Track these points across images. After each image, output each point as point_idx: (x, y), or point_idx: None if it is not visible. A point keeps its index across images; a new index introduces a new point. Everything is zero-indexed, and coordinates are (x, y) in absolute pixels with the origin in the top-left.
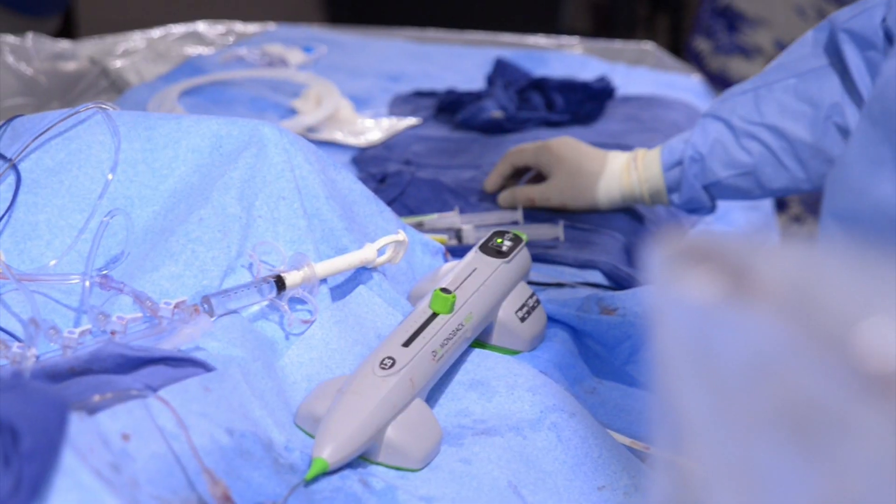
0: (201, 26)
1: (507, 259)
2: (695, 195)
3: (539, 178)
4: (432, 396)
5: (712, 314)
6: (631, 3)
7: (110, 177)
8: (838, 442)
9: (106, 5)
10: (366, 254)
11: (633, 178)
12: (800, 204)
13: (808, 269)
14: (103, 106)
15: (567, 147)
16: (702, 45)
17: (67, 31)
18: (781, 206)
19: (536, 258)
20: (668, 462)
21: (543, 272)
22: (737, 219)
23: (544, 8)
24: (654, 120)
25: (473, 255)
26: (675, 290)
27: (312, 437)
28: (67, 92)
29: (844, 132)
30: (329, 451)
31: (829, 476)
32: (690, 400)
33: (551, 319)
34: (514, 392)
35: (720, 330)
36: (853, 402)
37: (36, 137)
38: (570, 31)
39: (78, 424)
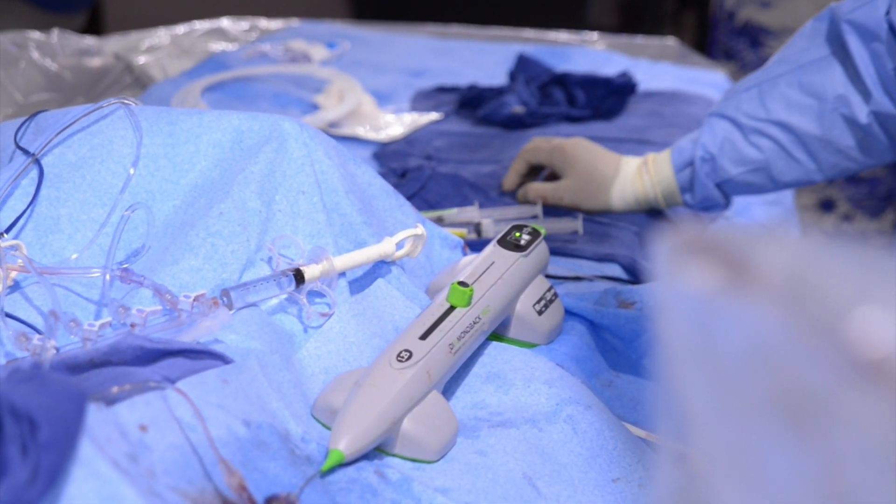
0: (225, 22)
1: (525, 253)
2: (708, 194)
3: (556, 174)
4: (449, 389)
5: (712, 304)
6: (658, 0)
7: (132, 171)
8: (831, 428)
9: (133, 2)
10: (384, 247)
11: (645, 181)
12: (847, 202)
13: (805, 259)
14: (126, 101)
15: (581, 149)
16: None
17: (94, 27)
18: (829, 206)
19: (555, 252)
20: (671, 450)
21: (562, 266)
22: (757, 213)
23: (571, 4)
24: (676, 115)
25: (492, 248)
26: (677, 282)
27: (329, 428)
28: (92, 87)
29: (851, 122)
30: (345, 443)
31: (822, 461)
32: (691, 388)
33: (569, 313)
34: (530, 385)
35: (720, 319)
36: (845, 389)
37: (59, 132)
38: (597, 28)
39: (96, 415)
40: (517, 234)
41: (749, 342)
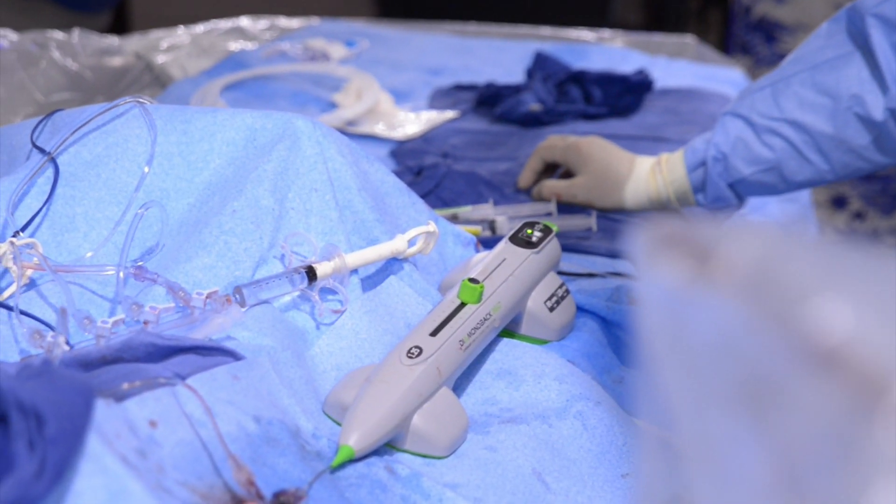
0: (245, 21)
1: (536, 249)
2: (720, 194)
3: (571, 172)
4: (460, 385)
5: (682, 296)
6: None
7: (146, 170)
8: (787, 415)
9: (159, 1)
10: (396, 245)
11: (658, 181)
12: (860, 199)
13: (768, 251)
14: (141, 100)
15: (596, 147)
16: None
17: (120, 26)
18: (841, 203)
19: (569, 248)
20: (653, 438)
21: (575, 262)
22: (773, 210)
23: (595, 2)
24: (693, 112)
25: (503, 245)
26: (651, 274)
27: (340, 424)
28: (112, 87)
29: (866, 122)
30: (355, 439)
31: (778, 448)
32: (666, 378)
33: (581, 309)
34: (541, 381)
35: (689, 310)
36: (800, 377)
37: (74, 131)
38: (621, 25)
39: (105, 411)
40: (529, 231)
41: (714, 332)
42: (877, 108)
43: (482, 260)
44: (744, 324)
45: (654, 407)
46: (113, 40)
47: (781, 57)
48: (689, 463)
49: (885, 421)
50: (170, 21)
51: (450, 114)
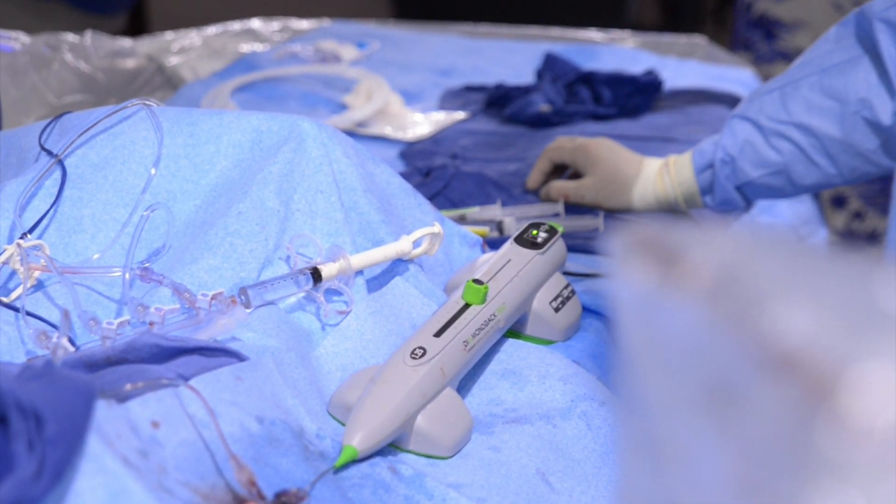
0: (256, 23)
1: (541, 250)
2: (728, 196)
3: (579, 173)
4: (465, 385)
5: (652, 299)
6: None
7: (153, 172)
8: (744, 418)
9: (175, 2)
10: (401, 246)
11: (666, 183)
12: (859, 198)
13: (734, 255)
14: (147, 102)
15: (604, 148)
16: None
17: (138, 27)
18: (840, 202)
19: (577, 249)
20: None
21: (582, 263)
22: (783, 211)
23: (611, 3)
24: (702, 113)
25: (508, 246)
26: (624, 277)
27: (344, 425)
28: (124, 89)
29: (874, 126)
30: (359, 439)
31: (737, 450)
32: (636, 377)
33: (587, 310)
34: (545, 381)
35: (657, 312)
36: (757, 380)
37: (81, 133)
38: (637, 26)
39: (106, 411)
40: (534, 232)
41: (679, 335)
42: (885, 112)
43: (487, 261)
44: (707, 327)
45: (630, 408)
46: (125, 42)
47: (780, 54)
48: (660, 463)
49: (827, 423)
50: (188, 22)
51: (459, 115)
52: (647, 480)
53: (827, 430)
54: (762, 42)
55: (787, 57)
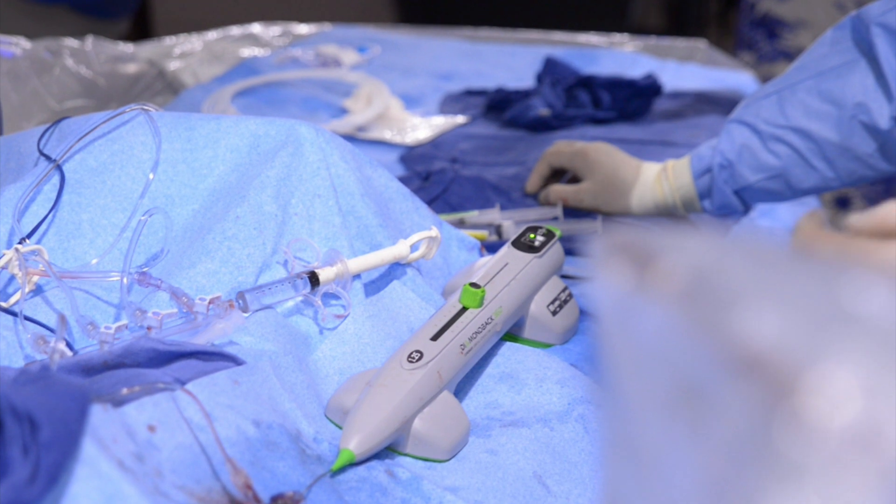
0: (257, 28)
1: (538, 254)
2: (726, 201)
3: (578, 177)
4: (462, 389)
5: (627, 301)
6: (703, 0)
7: (151, 176)
8: (712, 420)
9: (179, 6)
10: (399, 250)
11: (664, 187)
12: (863, 199)
13: (706, 259)
14: (146, 107)
15: (603, 154)
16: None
17: (142, 32)
18: (844, 203)
19: (575, 252)
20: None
21: (581, 266)
22: (784, 214)
23: (614, 6)
24: (701, 117)
25: (506, 250)
26: (603, 281)
27: (342, 428)
28: (125, 94)
29: (871, 129)
30: (355, 443)
31: (704, 453)
32: (616, 383)
33: (585, 313)
34: (542, 384)
35: (632, 315)
36: (725, 383)
37: (80, 139)
38: (641, 30)
39: (101, 415)
40: (532, 236)
41: (652, 337)
42: (882, 116)
43: (485, 264)
44: (679, 329)
45: (610, 410)
46: (126, 47)
47: (783, 53)
48: (638, 465)
49: (786, 423)
50: (191, 27)
51: (459, 119)
52: (627, 482)
53: (785, 429)
54: (765, 42)
55: (790, 56)
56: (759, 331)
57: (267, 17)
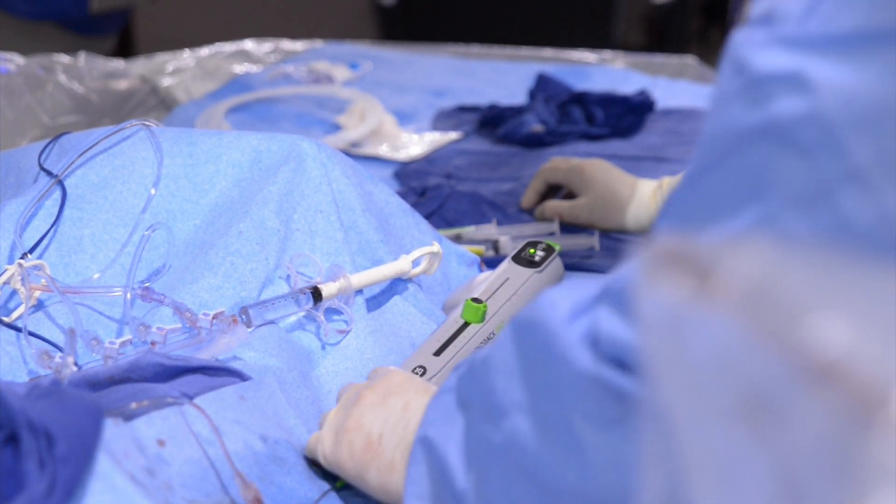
0: (249, 44)
1: (539, 269)
2: None
3: (573, 193)
4: None
5: (683, 313)
6: (683, 18)
7: (153, 192)
8: (785, 429)
9: (163, 24)
10: (401, 265)
11: (660, 204)
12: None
13: (767, 267)
14: (147, 123)
15: (598, 170)
16: None
17: (125, 49)
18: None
19: (572, 267)
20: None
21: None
22: None
23: (596, 24)
24: (694, 133)
25: (506, 265)
26: (652, 292)
27: None
28: (118, 109)
29: None
30: None
31: (778, 462)
32: (668, 395)
33: None
34: None
35: (689, 328)
36: (798, 391)
37: (81, 154)
38: (622, 46)
39: (113, 430)
40: (532, 251)
41: (714, 349)
42: None
43: (485, 279)
44: (743, 340)
45: (655, 426)
46: (118, 64)
47: None
48: (692, 477)
49: (882, 432)
50: (175, 44)
51: (453, 135)
52: (670, 496)
53: (881, 438)
54: None
55: None
56: (832, 340)
57: (249, 33)
